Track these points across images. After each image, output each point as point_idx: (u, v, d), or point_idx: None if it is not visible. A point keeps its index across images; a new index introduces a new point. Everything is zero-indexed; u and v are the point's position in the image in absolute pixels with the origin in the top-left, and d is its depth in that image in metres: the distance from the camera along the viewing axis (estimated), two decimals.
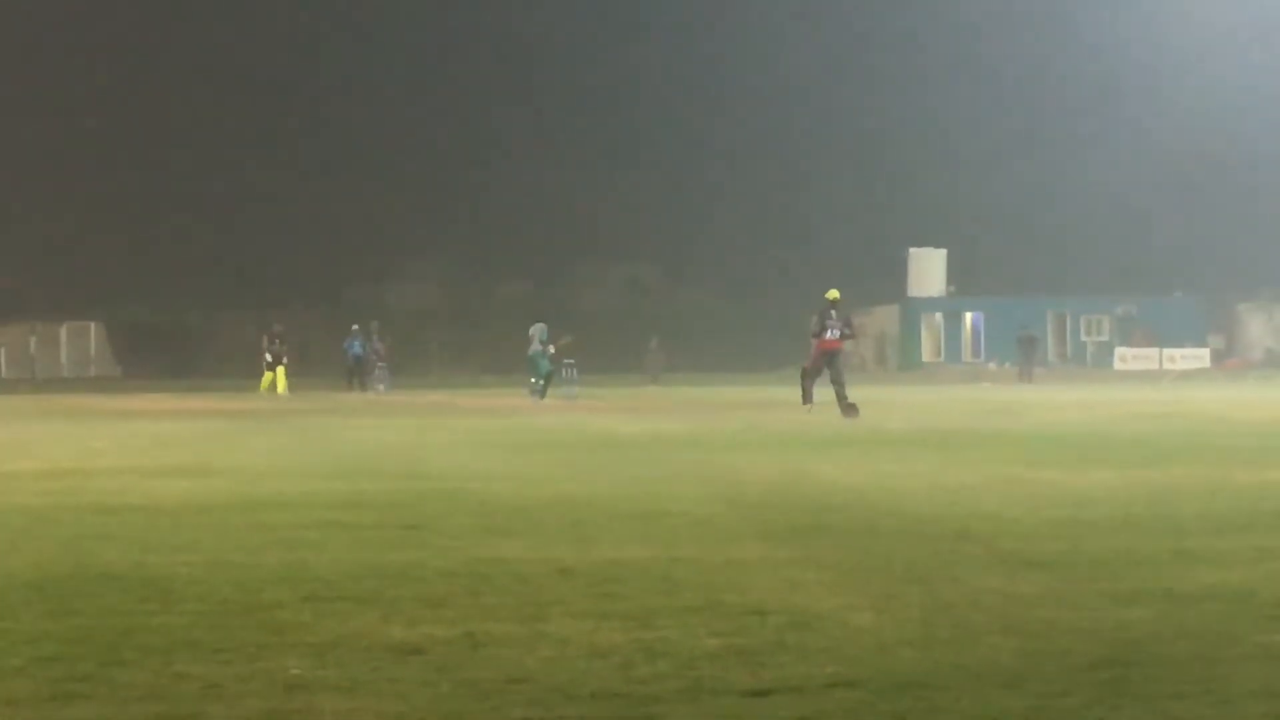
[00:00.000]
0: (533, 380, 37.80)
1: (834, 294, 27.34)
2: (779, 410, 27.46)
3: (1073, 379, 57.75)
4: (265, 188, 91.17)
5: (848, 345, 28.33)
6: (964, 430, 21.63)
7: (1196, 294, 77.40)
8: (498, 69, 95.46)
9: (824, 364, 27.18)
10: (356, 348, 48.84)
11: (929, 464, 14.91)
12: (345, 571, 8.06)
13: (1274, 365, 68.73)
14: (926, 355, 75.58)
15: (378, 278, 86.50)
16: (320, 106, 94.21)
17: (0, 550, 9.05)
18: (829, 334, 27.10)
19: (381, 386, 47.61)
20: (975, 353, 74.30)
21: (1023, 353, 57.57)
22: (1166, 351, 68.83)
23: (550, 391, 37.50)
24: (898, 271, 77.38)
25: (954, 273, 77.14)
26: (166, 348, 79.55)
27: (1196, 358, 69.33)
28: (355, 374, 48.31)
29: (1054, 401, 33.59)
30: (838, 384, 26.53)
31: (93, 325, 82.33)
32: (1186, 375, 59.75)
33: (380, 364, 48.94)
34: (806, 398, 27.33)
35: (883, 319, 78.57)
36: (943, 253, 77.34)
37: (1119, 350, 71.81)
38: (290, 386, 45.32)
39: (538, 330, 38.35)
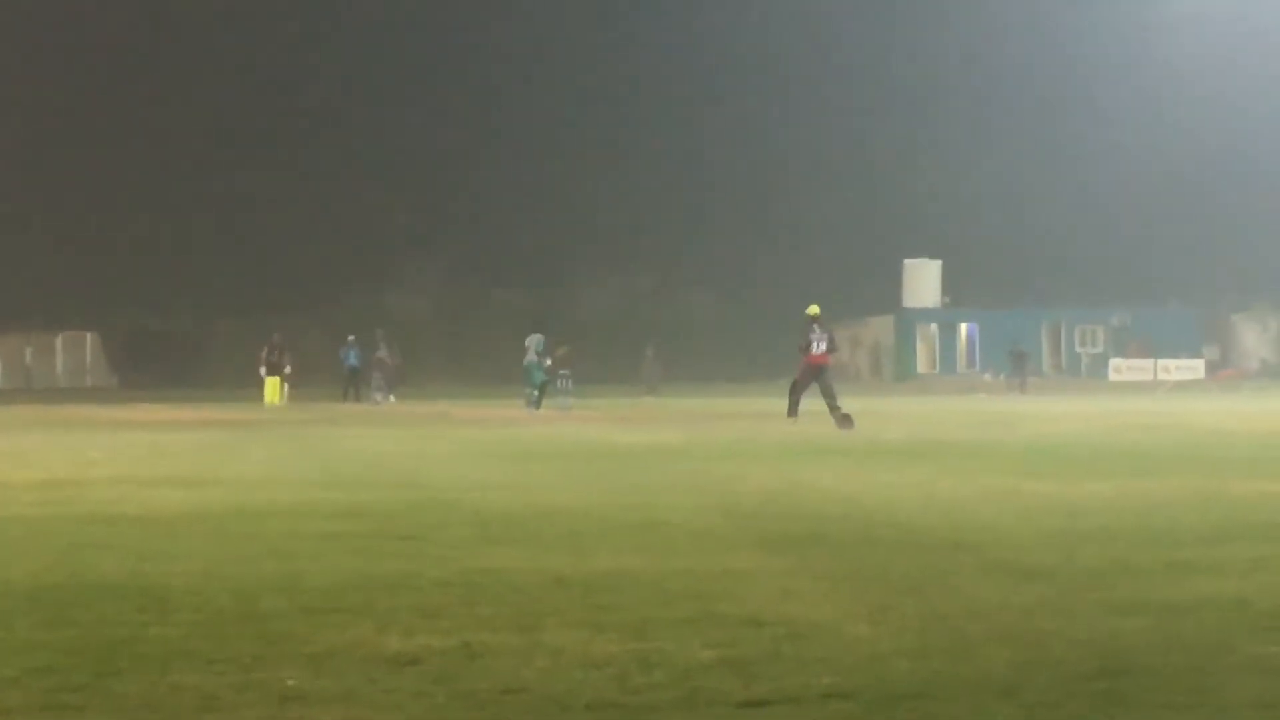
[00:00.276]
0: (528, 390, 37.79)
1: (814, 309, 27.64)
2: (774, 420, 27.47)
3: (1067, 390, 57.81)
4: (261, 196, 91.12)
5: (833, 358, 28.55)
6: (959, 441, 21.65)
7: (1191, 305, 77.50)
8: (494, 76, 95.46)
9: (812, 378, 27.38)
10: (353, 358, 48.71)
11: (924, 475, 14.91)
12: (341, 582, 8.06)
13: (1269, 376, 68.82)
14: (922, 366, 75.62)
15: (373, 286, 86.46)
16: (317, 114, 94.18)
17: None
18: (815, 348, 27.33)
19: (379, 395, 47.36)
20: (970, 364, 74.35)
21: (1014, 367, 57.84)
22: (1161, 362, 68.90)
23: (545, 402, 37.48)
24: (893, 282, 77.45)
25: (949, 284, 77.20)
26: (162, 357, 79.54)
27: (1191, 368, 69.39)
28: (352, 384, 48.20)
29: (1049, 412, 33.61)
30: (828, 396, 26.75)
31: (89, 335, 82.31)
32: (1181, 386, 59.81)
33: (376, 373, 48.65)
34: (792, 410, 27.52)
35: (878, 330, 78.63)
36: (938, 264, 77.40)
37: (1114, 361, 71.86)
38: (290, 396, 45.28)
39: (534, 341, 38.32)
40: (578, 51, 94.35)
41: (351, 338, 49.19)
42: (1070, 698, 5.52)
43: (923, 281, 76.91)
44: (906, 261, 77.61)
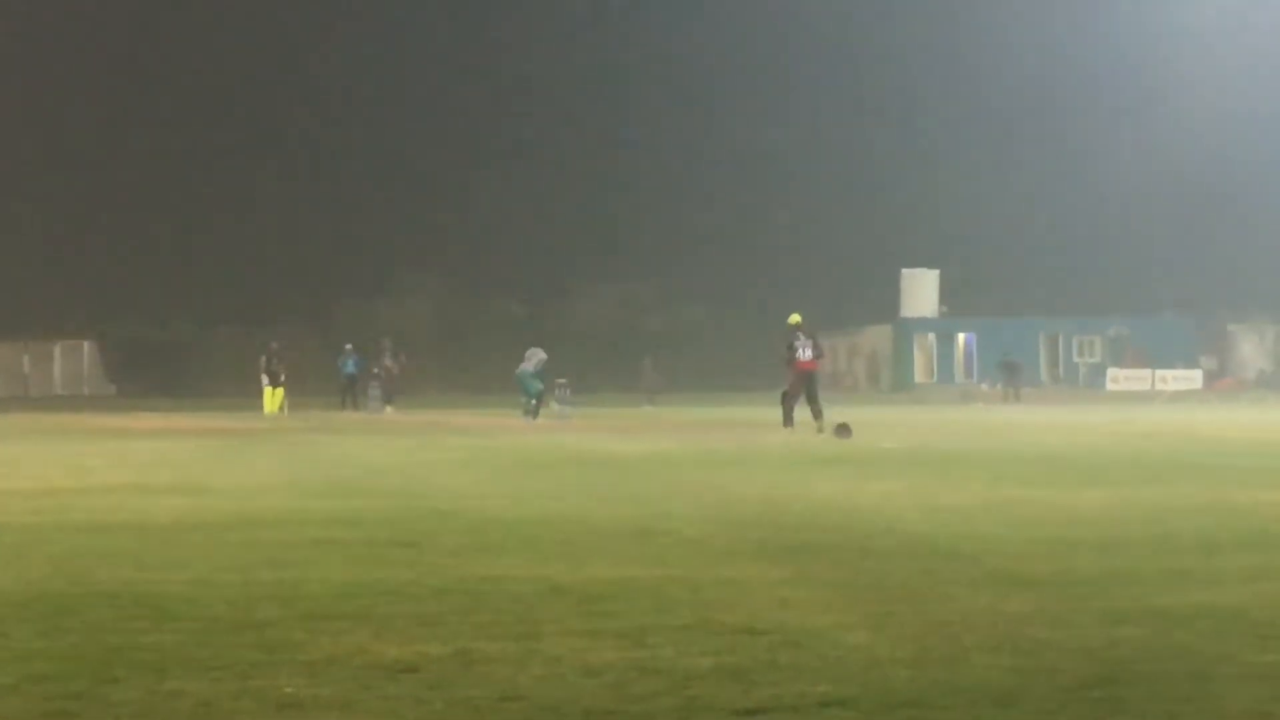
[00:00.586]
0: (524, 399, 37.76)
1: (796, 318, 28.04)
2: (771, 430, 27.48)
3: (1064, 400, 57.82)
4: (258, 206, 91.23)
5: (821, 364, 28.79)
6: (956, 450, 21.65)
7: (1188, 315, 77.53)
8: (494, 87, 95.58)
9: (802, 385, 27.57)
10: (351, 366, 48.68)
11: (921, 484, 14.92)
12: (338, 589, 8.06)
13: (1266, 386, 68.84)
14: (919, 376, 75.61)
15: (370, 295, 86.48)
16: (314, 124, 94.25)
17: None
18: (801, 355, 27.53)
19: (374, 404, 47.25)
20: (968, 373, 74.34)
21: (1006, 377, 57.90)
22: (1159, 372, 68.92)
23: (543, 411, 37.47)
24: (890, 292, 77.47)
25: (947, 293, 77.22)
26: (160, 365, 79.53)
27: (1188, 379, 69.41)
28: (350, 392, 48.16)
29: (1046, 422, 33.63)
30: (814, 403, 26.97)
31: (86, 343, 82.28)
32: (1178, 396, 59.84)
33: (374, 383, 48.57)
34: (787, 419, 27.62)
35: (875, 339, 78.64)
36: (935, 273, 77.43)
37: (1111, 371, 71.88)
38: (289, 406, 45.26)
39: (535, 357, 38.00)
40: (576, 63, 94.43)
41: (349, 346, 49.15)
42: (1068, 706, 5.52)
43: (920, 291, 76.93)
44: (904, 271, 77.63)
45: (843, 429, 25.35)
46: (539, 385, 37.80)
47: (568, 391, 39.65)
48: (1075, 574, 8.56)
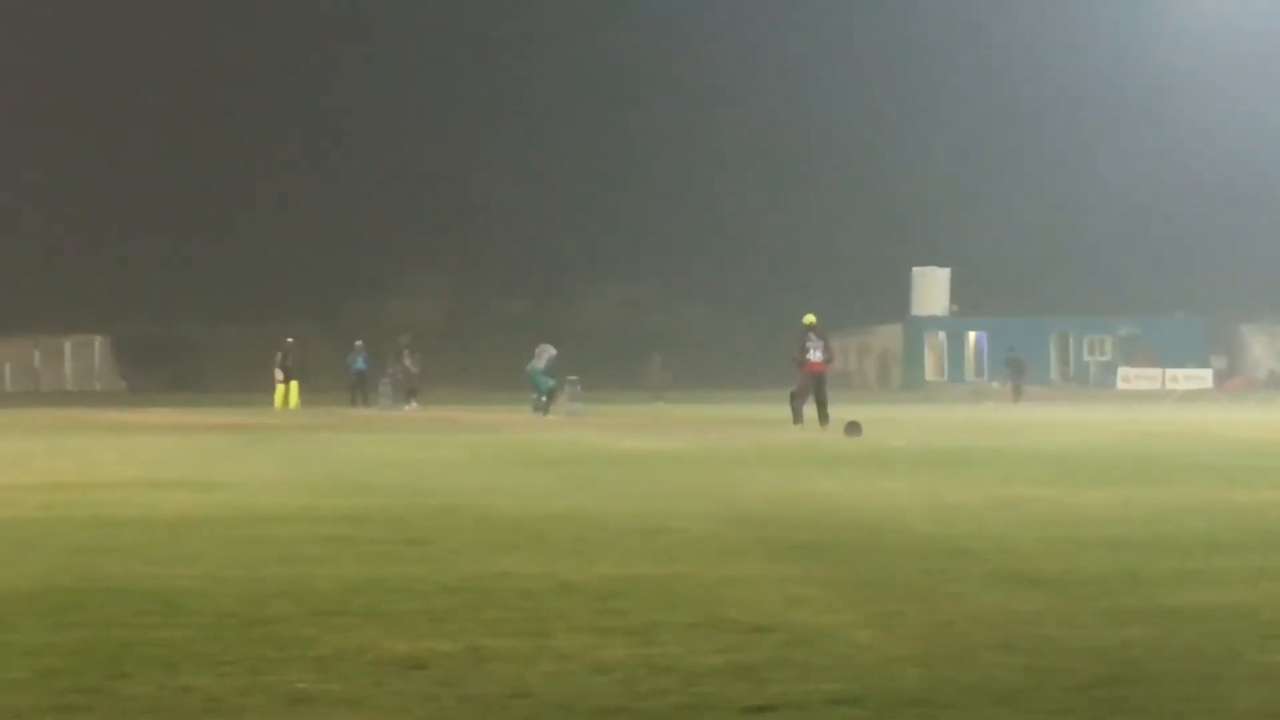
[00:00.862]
0: (535, 396, 37.78)
1: (810, 318, 28.16)
2: (780, 427, 27.49)
3: (1075, 399, 57.74)
4: (266, 202, 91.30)
5: (830, 367, 28.90)
6: (965, 449, 21.64)
7: (1199, 315, 77.42)
8: (498, 85, 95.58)
9: (811, 386, 27.66)
10: (360, 363, 48.69)
11: (930, 482, 14.92)
12: (347, 585, 8.07)
13: (1276, 386, 68.70)
14: (929, 374, 75.57)
15: (377, 293, 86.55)
16: (321, 121, 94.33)
17: (3, 562, 9.06)
18: (811, 355, 27.63)
19: (386, 401, 47.21)
20: (978, 372, 74.30)
21: (1010, 374, 57.76)
22: (1169, 372, 68.86)
23: (553, 408, 37.49)
24: (901, 290, 77.42)
25: (957, 292, 77.17)
26: (170, 361, 79.69)
27: (1199, 378, 69.33)
28: (359, 389, 48.17)
29: (1055, 421, 33.60)
30: (821, 403, 27.01)
31: (97, 339, 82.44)
32: (1189, 396, 59.75)
33: (385, 380, 48.57)
34: (797, 417, 27.70)
35: (886, 338, 78.61)
36: (946, 272, 77.38)
37: (1121, 370, 71.82)
38: (301, 402, 45.31)
39: (545, 354, 38.05)
40: (583, 63, 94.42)
41: (359, 343, 49.17)
42: (1075, 706, 5.53)
43: (931, 289, 76.89)
44: (915, 269, 77.60)
45: (853, 427, 25.34)
46: (550, 382, 37.83)
47: (579, 388, 39.67)
48: (1083, 573, 8.56)
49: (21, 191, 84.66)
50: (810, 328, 28.00)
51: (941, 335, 76.73)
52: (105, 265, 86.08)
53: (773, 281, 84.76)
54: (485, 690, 5.74)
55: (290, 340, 46.83)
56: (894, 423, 30.99)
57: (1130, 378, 70.03)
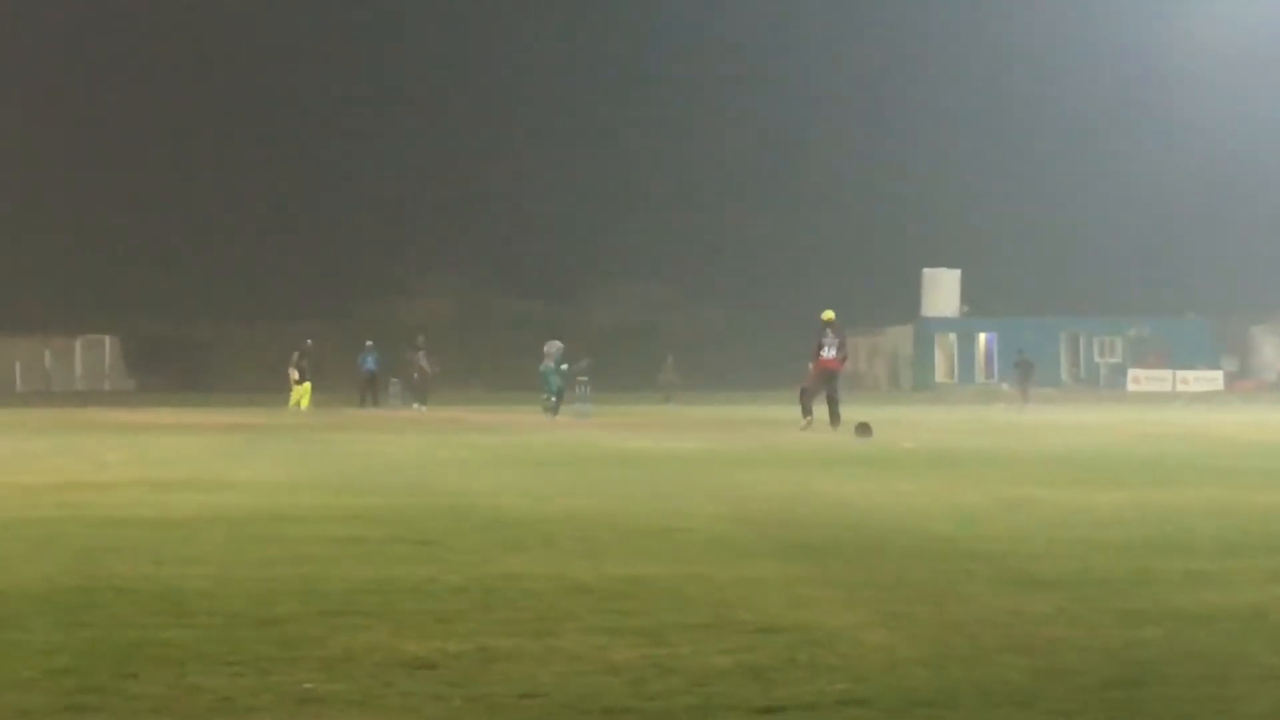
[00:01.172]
0: (545, 396, 37.81)
1: (829, 315, 28.19)
2: (791, 428, 27.48)
3: (1085, 400, 57.70)
4: (278, 202, 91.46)
5: (845, 365, 28.92)
6: (975, 450, 21.62)
7: (1210, 316, 77.30)
8: (511, 85, 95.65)
9: (822, 383, 27.66)
10: (370, 363, 48.70)
11: (940, 483, 14.90)
12: (357, 586, 8.08)
13: None
14: (940, 375, 75.48)
15: (390, 293, 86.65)
16: (334, 122, 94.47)
17: (13, 562, 9.07)
18: (825, 353, 27.66)
19: (397, 401, 47.18)
20: (989, 373, 74.19)
21: (1019, 376, 57.68)
22: (1179, 373, 68.75)
23: (563, 408, 37.51)
24: (911, 291, 77.35)
25: (968, 293, 77.07)
26: (180, 361, 79.78)
27: (1209, 380, 69.22)
28: (369, 389, 48.19)
29: (1065, 422, 33.57)
30: (833, 402, 27.05)
31: (107, 339, 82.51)
32: (1199, 397, 59.68)
33: (395, 380, 48.52)
34: (806, 412, 27.70)
35: (896, 339, 78.54)
36: (957, 273, 77.29)
37: (1132, 371, 71.71)
38: (312, 402, 45.34)
39: (553, 349, 38.25)
40: (598, 63, 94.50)
41: (370, 343, 49.18)
42: (1086, 707, 5.52)
43: (942, 291, 76.79)
44: (925, 270, 77.51)
45: (863, 428, 25.32)
46: (560, 382, 37.86)
47: (588, 389, 39.68)
48: (1094, 575, 8.55)
49: (32, 191, 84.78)
50: (829, 324, 28.02)
51: (952, 337, 76.64)
52: (116, 265, 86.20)
53: (783, 282, 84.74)
54: (494, 691, 5.74)
55: (309, 342, 46.83)
56: (904, 424, 30.97)
57: (1141, 379, 69.92)
